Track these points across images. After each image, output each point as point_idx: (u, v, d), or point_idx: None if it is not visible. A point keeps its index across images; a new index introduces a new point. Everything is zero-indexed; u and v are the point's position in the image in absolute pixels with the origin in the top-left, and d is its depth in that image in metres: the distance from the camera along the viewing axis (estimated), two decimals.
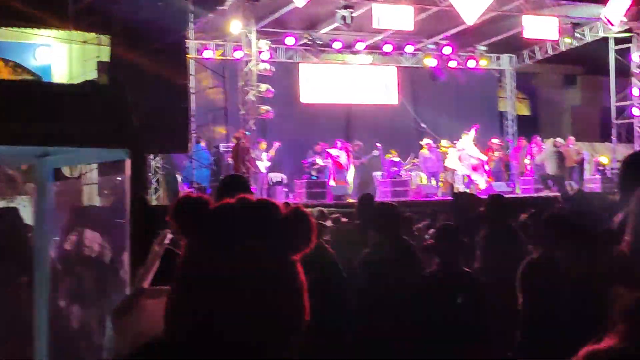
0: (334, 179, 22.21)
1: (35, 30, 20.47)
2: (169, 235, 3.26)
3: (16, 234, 4.32)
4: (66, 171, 14.08)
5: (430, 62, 26.05)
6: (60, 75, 20.53)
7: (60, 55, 21.02)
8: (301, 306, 1.87)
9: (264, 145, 21.76)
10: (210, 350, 1.79)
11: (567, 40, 24.93)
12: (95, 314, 3.40)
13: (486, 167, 23.41)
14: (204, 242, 1.85)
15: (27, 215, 4.38)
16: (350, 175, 22.50)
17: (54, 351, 3.31)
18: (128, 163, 2.80)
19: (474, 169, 23.24)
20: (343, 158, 22.36)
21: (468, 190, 20.44)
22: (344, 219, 10.73)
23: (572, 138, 25.30)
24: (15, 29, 20.04)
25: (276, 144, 22.03)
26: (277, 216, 1.87)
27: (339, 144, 22.64)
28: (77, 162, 3.88)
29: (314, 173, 22.29)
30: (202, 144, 21.32)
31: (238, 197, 1.92)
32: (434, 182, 23.53)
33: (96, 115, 2.82)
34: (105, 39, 18.18)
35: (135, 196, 2.88)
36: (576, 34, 24.51)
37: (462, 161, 23.25)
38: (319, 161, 22.63)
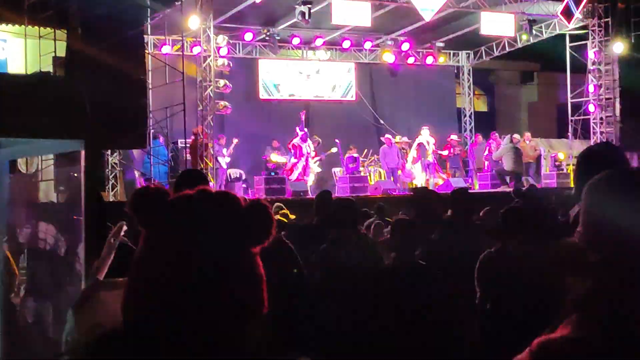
0: (292, 169, 22.21)
1: None
2: (125, 227, 3.25)
3: None
4: (22, 167, 13.95)
5: (389, 58, 26.12)
6: (16, 70, 20.26)
7: (16, 51, 20.75)
8: (260, 297, 1.87)
9: (223, 140, 21.73)
10: (168, 340, 1.78)
11: (524, 37, 25.14)
12: (50, 307, 3.36)
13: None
14: (162, 233, 1.84)
15: None
16: (314, 166, 22.56)
17: (8, 345, 3.28)
18: (83, 154, 2.78)
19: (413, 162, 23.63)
20: (309, 147, 22.37)
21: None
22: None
23: (528, 134, 25.54)
24: None
25: (235, 140, 21.99)
26: (236, 208, 1.86)
27: (299, 133, 22.57)
28: (32, 154, 3.85)
29: (272, 168, 22.30)
30: (160, 140, 21.19)
31: (197, 188, 1.91)
32: (392, 178, 23.61)
33: (50, 106, 2.79)
34: (61, 33, 17.99)
35: (90, 188, 2.86)
36: (533, 31, 24.71)
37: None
38: (275, 157, 22.62)
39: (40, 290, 3.38)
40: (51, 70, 18.10)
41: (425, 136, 23.83)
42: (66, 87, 2.89)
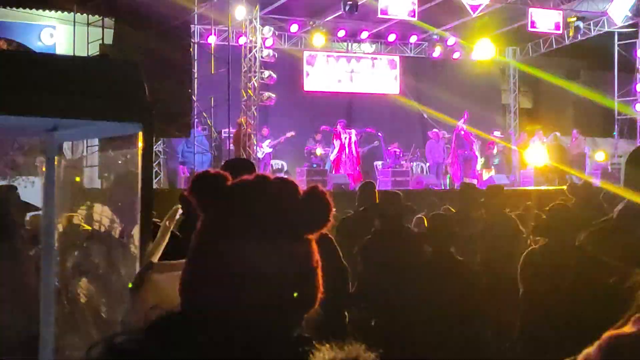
0: (337, 163, 22.22)
1: (40, 12, 20.44)
2: (180, 211, 3.27)
3: (20, 211, 4.35)
4: (67, 152, 14.09)
5: (434, 52, 26.01)
6: None
7: (64, 37, 20.99)
8: (315, 284, 1.88)
9: (265, 131, 21.81)
10: (224, 323, 1.80)
11: (572, 34, 24.87)
12: (103, 288, 3.40)
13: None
14: (221, 217, 1.85)
15: (28, 195, 4.41)
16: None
17: (61, 324, 3.32)
18: (141, 136, 2.81)
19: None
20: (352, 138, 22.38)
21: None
22: None
23: (575, 132, 25.28)
24: (20, 9, 19.99)
25: (289, 133, 22.03)
26: (294, 194, 1.87)
27: (338, 127, 22.58)
28: (87, 137, 3.89)
29: (314, 161, 22.33)
30: (202, 130, 21.30)
31: (256, 174, 1.93)
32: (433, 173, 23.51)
33: (109, 89, 2.81)
34: (109, 21, 18.15)
35: (146, 172, 2.89)
36: (581, 28, 24.45)
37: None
38: (319, 150, 22.64)
39: (95, 271, 3.42)
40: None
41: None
42: (126, 70, 2.91)
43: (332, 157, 22.53)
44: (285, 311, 1.85)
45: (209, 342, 1.80)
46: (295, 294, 1.85)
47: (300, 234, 1.86)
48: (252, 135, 19.88)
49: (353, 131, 22.67)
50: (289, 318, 1.87)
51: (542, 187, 21.36)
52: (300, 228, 1.86)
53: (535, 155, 23.77)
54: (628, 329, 1.94)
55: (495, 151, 25.21)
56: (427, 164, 24.17)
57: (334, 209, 1.93)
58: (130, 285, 2.74)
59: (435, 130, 23.90)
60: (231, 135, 20.23)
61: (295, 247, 1.85)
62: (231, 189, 1.89)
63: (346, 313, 6.78)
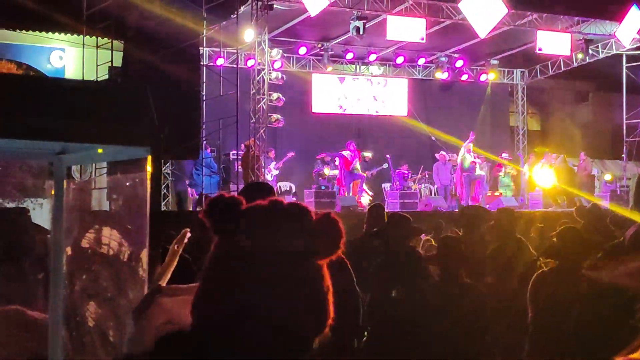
0: (342, 184, 22.22)
1: (49, 34, 20.57)
2: (188, 235, 3.27)
3: (29, 233, 4.35)
4: (76, 174, 14.12)
5: (442, 75, 26.06)
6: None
7: (73, 60, 21.11)
8: (326, 309, 1.90)
9: (272, 154, 21.84)
10: (234, 345, 1.81)
11: (580, 56, 24.91)
12: (111, 312, 3.40)
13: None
14: (234, 240, 1.88)
15: (36, 217, 4.42)
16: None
17: (69, 348, 3.31)
18: (149, 160, 2.81)
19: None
20: (355, 163, 22.36)
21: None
22: None
23: (583, 154, 25.25)
24: (30, 32, 20.13)
25: (290, 154, 22.08)
26: (307, 219, 1.90)
27: (351, 146, 22.59)
28: (95, 160, 3.90)
29: (322, 182, 22.33)
30: (208, 151, 21.33)
31: (270, 199, 1.96)
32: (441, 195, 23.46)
33: (118, 113, 2.82)
34: (118, 44, 18.23)
35: (154, 196, 2.89)
36: (589, 51, 24.49)
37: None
38: (327, 171, 22.65)
39: (103, 294, 3.41)
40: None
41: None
42: (134, 93, 2.92)
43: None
44: (295, 335, 1.86)
45: None
46: (305, 319, 1.87)
47: (311, 259, 1.88)
48: (260, 158, 19.89)
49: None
50: (299, 342, 1.87)
51: (551, 210, 21.32)
52: (312, 253, 1.88)
53: (544, 177, 23.73)
54: (638, 355, 1.93)
55: (503, 173, 25.19)
56: (435, 186, 24.15)
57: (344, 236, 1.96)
58: (135, 310, 2.74)
59: (442, 152, 23.89)
60: (239, 157, 20.25)
61: (307, 272, 1.88)
62: (245, 213, 1.92)
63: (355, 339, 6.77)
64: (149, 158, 2.79)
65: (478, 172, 23.42)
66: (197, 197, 20.75)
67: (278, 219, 1.89)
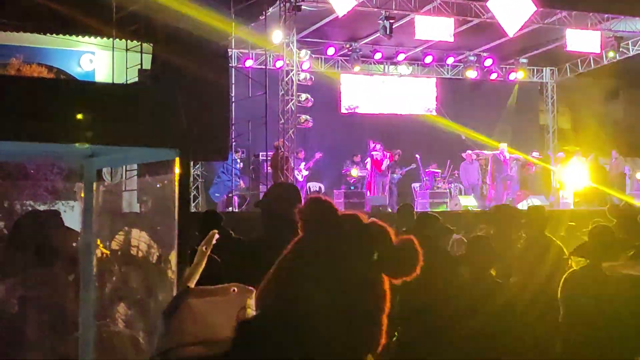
0: (372, 185, 22.21)
1: (79, 38, 20.72)
2: (217, 236, 3.28)
3: (60, 236, 4.39)
4: (107, 177, 14.22)
5: (471, 74, 25.95)
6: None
7: (103, 63, 21.25)
8: (380, 329, 2.00)
9: (301, 154, 21.85)
10: (292, 334, 1.87)
11: (611, 54, 24.69)
12: (141, 314, 3.42)
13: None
14: (321, 242, 1.97)
15: (67, 219, 4.45)
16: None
17: (99, 350, 3.34)
18: (177, 162, 2.83)
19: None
20: (385, 163, 22.36)
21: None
22: None
23: (614, 152, 25.04)
24: (60, 36, 20.28)
25: (318, 155, 22.08)
26: (389, 240, 2.02)
27: (377, 146, 22.61)
28: (125, 163, 3.93)
29: (352, 182, 22.34)
30: (239, 153, 21.39)
31: (354, 213, 2.09)
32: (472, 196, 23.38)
33: (147, 115, 2.84)
34: (147, 46, 18.34)
35: (183, 197, 2.91)
36: (620, 48, 24.27)
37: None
38: (355, 172, 22.63)
39: (132, 297, 3.44)
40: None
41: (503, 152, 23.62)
42: (163, 95, 2.94)
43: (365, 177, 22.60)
44: (348, 347, 1.94)
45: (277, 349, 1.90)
46: (362, 334, 1.98)
47: (382, 277, 2.00)
48: (290, 158, 19.92)
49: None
50: (351, 354, 1.95)
51: (582, 208, 21.16)
52: (388, 272, 2.00)
53: (575, 176, 23.57)
54: None
55: (533, 172, 25.05)
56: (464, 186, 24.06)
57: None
58: (165, 311, 2.76)
59: (468, 151, 23.79)
60: (269, 158, 20.29)
61: (376, 288, 1.99)
62: (339, 220, 2.03)
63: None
64: (177, 160, 2.82)
65: (509, 172, 23.33)
66: (226, 198, 20.80)
67: (363, 235, 1.99)
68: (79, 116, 2.71)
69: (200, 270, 3.15)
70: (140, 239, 3.57)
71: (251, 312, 2.36)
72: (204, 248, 3.24)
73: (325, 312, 1.94)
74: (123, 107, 2.81)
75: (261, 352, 1.98)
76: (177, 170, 2.85)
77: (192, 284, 3.00)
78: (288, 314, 1.94)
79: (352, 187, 22.21)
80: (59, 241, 4.33)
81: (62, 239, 4.34)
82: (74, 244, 4.07)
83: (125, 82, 16.86)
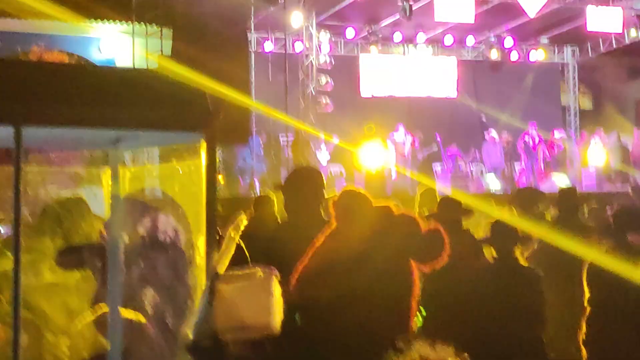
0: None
1: (99, 23, 20.75)
2: (245, 221, 3.28)
3: (87, 222, 4.40)
4: (129, 163, 14.28)
5: (492, 54, 25.80)
6: None
7: (124, 49, 21.28)
8: (410, 312, 2.13)
9: (328, 136, 21.75)
10: (340, 322, 1.97)
11: (633, 32, 24.44)
12: (169, 299, 3.43)
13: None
14: (354, 233, 2.13)
15: (92, 205, 4.47)
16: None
17: (127, 334, 3.35)
18: (204, 146, 2.83)
19: None
20: (407, 145, 22.29)
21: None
22: None
23: (637, 131, 24.83)
24: (80, 22, 20.32)
25: (335, 139, 21.91)
26: (418, 229, 2.23)
27: (401, 129, 22.51)
28: (149, 145, 3.94)
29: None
30: (259, 137, 21.38)
31: (384, 207, 2.26)
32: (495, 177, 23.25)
33: (171, 99, 2.84)
34: (167, 32, 18.36)
35: (210, 182, 2.91)
36: None
37: None
38: None
39: (160, 282, 3.44)
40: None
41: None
42: (185, 80, 2.94)
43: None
44: (378, 329, 2.04)
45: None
46: (391, 318, 2.13)
47: (412, 264, 2.20)
48: (310, 142, 19.90)
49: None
50: (381, 338, 2.05)
51: (605, 191, 21.03)
52: (418, 260, 2.19)
53: (597, 155, 23.41)
54: None
55: (556, 152, 24.87)
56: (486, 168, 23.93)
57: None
58: (204, 298, 2.76)
59: (492, 134, 23.64)
60: (289, 142, 20.28)
61: (407, 275, 2.19)
62: (371, 213, 2.22)
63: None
64: (203, 143, 2.82)
65: (534, 152, 23.21)
66: (248, 182, 20.79)
67: (394, 225, 2.18)
68: (105, 101, 2.71)
69: (229, 255, 3.14)
70: (167, 224, 3.57)
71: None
72: (232, 233, 3.23)
73: (363, 300, 2.06)
74: (147, 91, 2.81)
75: (308, 341, 2.08)
76: (203, 154, 2.85)
77: (221, 270, 3.00)
78: (332, 303, 2.05)
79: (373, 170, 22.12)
80: (85, 228, 4.35)
81: (88, 226, 4.35)
82: (100, 231, 4.08)
83: (146, 67, 16.88)
